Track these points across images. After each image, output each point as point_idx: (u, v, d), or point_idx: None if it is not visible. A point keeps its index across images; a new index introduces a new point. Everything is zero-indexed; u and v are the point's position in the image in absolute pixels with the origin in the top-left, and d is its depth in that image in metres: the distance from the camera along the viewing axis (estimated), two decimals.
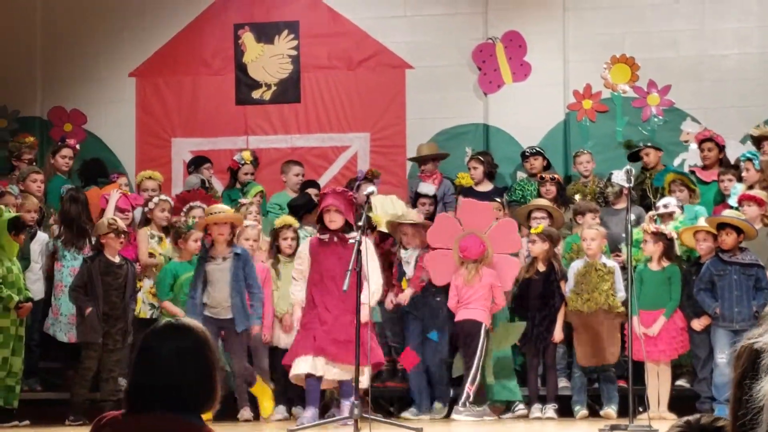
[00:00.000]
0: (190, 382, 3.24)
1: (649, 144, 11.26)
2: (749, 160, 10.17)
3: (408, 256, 9.55)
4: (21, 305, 8.97)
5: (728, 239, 8.93)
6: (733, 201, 9.84)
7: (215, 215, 9.09)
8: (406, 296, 9.43)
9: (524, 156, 11.46)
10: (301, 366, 8.39)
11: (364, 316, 7.91)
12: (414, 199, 10.64)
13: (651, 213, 9.77)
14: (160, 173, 11.08)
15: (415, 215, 9.68)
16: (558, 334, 9.37)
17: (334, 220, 8.55)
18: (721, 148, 10.94)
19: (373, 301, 8.34)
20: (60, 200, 10.45)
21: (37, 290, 9.67)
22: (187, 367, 3.25)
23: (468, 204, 9.69)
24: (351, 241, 7.99)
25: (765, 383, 1.39)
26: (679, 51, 12.01)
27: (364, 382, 7.81)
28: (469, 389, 9.05)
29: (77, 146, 11.47)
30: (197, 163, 11.67)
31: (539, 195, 10.74)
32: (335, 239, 8.59)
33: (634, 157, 11.28)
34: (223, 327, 8.99)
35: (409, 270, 9.52)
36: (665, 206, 9.70)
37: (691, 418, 2.62)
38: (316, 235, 8.89)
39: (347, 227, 8.60)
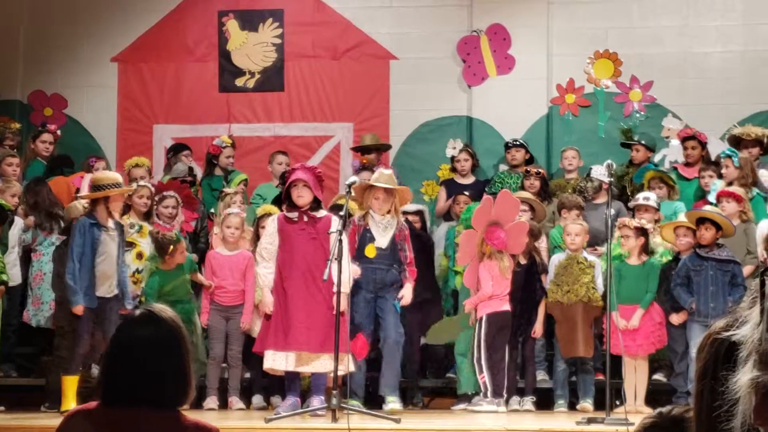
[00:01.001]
0: (164, 374, 3.23)
1: (642, 142, 11.27)
2: (729, 157, 10.21)
3: (385, 223, 8.80)
4: None
5: (707, 234, 8.98)
6: (712, 197, 9.89)
7: (114, 189, 8.65)
8: (407, 295, 8.76)
9: (507, 147, 11.46)
10: (276, 362, 8.32)
11: (342, 304, 7.89)
12: None
13: (631, 204, 9.79)
14: (147, 160, 11.06)
15: (390, 179, 8.94)
16: (539, 328, 9.40)
17: (303, 195, 8.28)
18: (704, 145, 10.97)
19: (348, 288, 8.22)
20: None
21: (14, 275, 9.62)
22: (161, 359, 3.24)
23: (505, 195, 9.56)
24: (330, 232, 7.97)
25: (742, 375, 1.40)
26: (662, 47, 12.05)
27: (344, 370, 7.80)
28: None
29: (58, 131, 11.41)
30: (176, 150, 11.62)
31: (522, 188, 10.75)
32: (304, 218, 8.35)
33: (627, 146, 11.33)
34: (109, 305, 8.56)
35: (383, 239, 8.80)
36: (646, 199, 9.72)
37: (663, 409, 2.65)
38: (282, 212, 8.58)
39: (315, 204, 8.41)
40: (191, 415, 3.33)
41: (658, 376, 9.52)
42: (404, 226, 8.93)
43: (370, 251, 8.71)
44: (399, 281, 8.81)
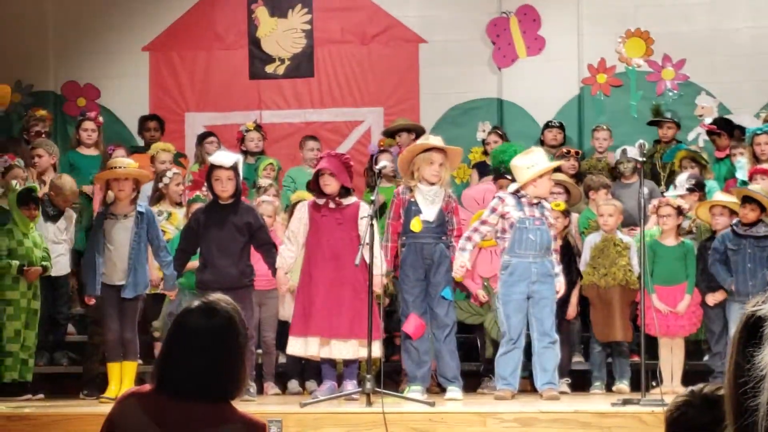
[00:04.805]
0: (217, 367, 3.23)
1: (675, 119, 11.18)
2: (766, 132, 10.08)
3: (432, 195, 8.41)
4: (26, 269, 8.93)
5: (751, 215, 8.83)
6: (740, 174, 9.77)
7: (115, 170, 8.47)
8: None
9: (547, 127, 11.40)
10: (295, 348, 8.34)
11: (377, 286, 7.85)
12: None
13: (678, 188, 9.68)
14: (173, 146, 11.10)
15: (441, 142, 8.54)
16: (573, 310, 9.35)
17: (329, 184, 8.29)
18: (732, 128, 10.81)
19: (381, 271, 8.06)
20: None
21: (62, 264, 9.68)
22: (215, 351, 3.23)
23: None
24: (362, 217, 7.98)
25: (767, 352, 1.38)
26: (692, 25, 11.94)
27: (375, 353, 7.78)
28: None
29: (100, 118, 11.37)
30: (202, 138, 11.62)
31: (558, 169, 10.64)
32: (331, 204, 8.35)
33: (655, 123, 11.23)
34: (119, 294, 8.42)
35: (430, 211, 8.35)
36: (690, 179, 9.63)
37: (695, 387, 2.64)
38: (312, 198, 8.56)
39: (344, 191, 8.37)
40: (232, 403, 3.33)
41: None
42: (452, 198, 8.52)
43: (416, 225, 8.33)
44: (449, 258, 8.38)
